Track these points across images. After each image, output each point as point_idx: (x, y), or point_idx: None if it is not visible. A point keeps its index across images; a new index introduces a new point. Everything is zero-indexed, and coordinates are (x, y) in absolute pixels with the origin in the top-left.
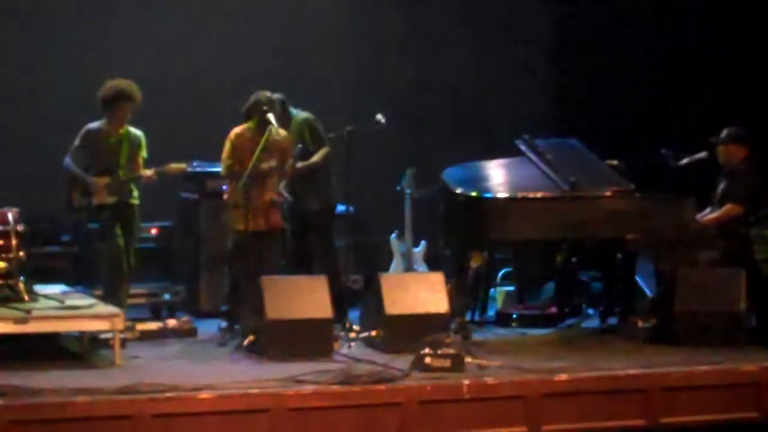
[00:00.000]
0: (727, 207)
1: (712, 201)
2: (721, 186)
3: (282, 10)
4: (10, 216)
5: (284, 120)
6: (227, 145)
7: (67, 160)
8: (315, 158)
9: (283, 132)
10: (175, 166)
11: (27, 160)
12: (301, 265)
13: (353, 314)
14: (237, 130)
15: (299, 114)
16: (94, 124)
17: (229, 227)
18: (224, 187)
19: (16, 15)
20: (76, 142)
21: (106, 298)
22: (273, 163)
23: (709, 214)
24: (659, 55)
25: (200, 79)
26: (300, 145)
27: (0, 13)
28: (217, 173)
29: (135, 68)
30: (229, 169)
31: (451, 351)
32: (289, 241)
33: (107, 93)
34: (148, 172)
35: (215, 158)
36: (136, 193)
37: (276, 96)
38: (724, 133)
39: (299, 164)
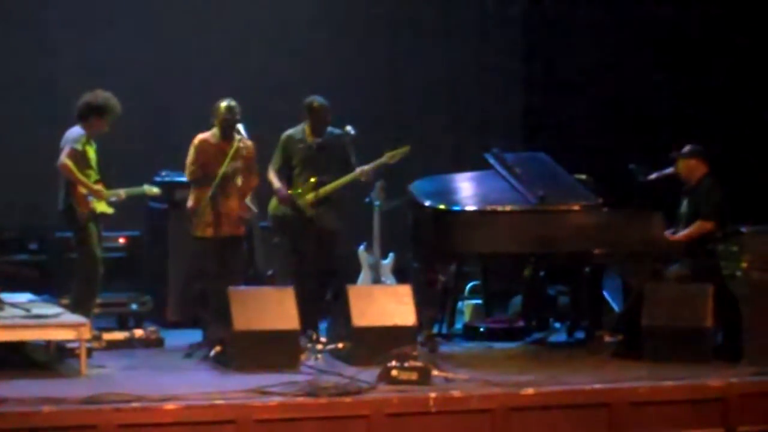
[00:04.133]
0: (699, 224)
1: (677, 220)
2: (685, 204)
3: (248, 15)
4: None
5: (320, 127)
6: (191, 151)
7: (70, 163)
8: (347, 178)
9: (248, 141)
10: (149, 189)
11: None
12: (297, 276)
13: (320, 326)
14: (201, 135)
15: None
16: (81, 130)
17: (192, 235)
18: None
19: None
20: (77, 146)
21: (77, 307)
22: (239, 177)
23: (677, 233)
24: (631, 67)
25: (167, 88)
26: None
27: None
28: (185, 183)
29: (102, 75)
30: (193, 174)
31: (418, 364)
32: (292, 252)
33: (97, 100)
34: (122, 194)
35: (183, 168)
36: None
37: (320, 100)
38: (686, 148)
39: (342, 179)
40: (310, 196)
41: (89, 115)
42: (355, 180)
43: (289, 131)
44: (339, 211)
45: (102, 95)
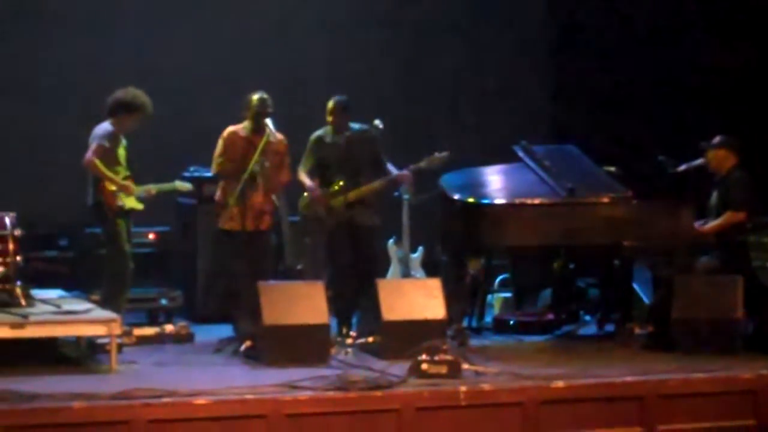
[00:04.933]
0: (729, 214)
1: (707, 211)
2: (715, 195)
3: (275, 9)
4: (7, 220)
5: (342, 124)
6: (220, 143)
7: (95, 159)
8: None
9: (279, 136)
10: (180, 184)
11: (24, 164)
12: (339, 279)
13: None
14: (231, 128)
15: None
16: (109, 126)
17: (219, 228)
18: None
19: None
20: (104, 143)
21: (107, 303)
22: (266, 164)
23: (707, 224)
24: (659, 61)
25: (196, 83)
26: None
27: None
28: (213, 178)
29: (132, 72)
30: (220, 167)
31: (448, 357)
32: (330, 256)
33: (127, 97)
34: (153, 190)
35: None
36: None
37: (338, 98)
38: (715, 139)
39: (376, 183)
40: (340, 200)
41: (118, 111)
42: (393, 182)
43: (318, 132)
44: (375, 207)
45: (132, 92)
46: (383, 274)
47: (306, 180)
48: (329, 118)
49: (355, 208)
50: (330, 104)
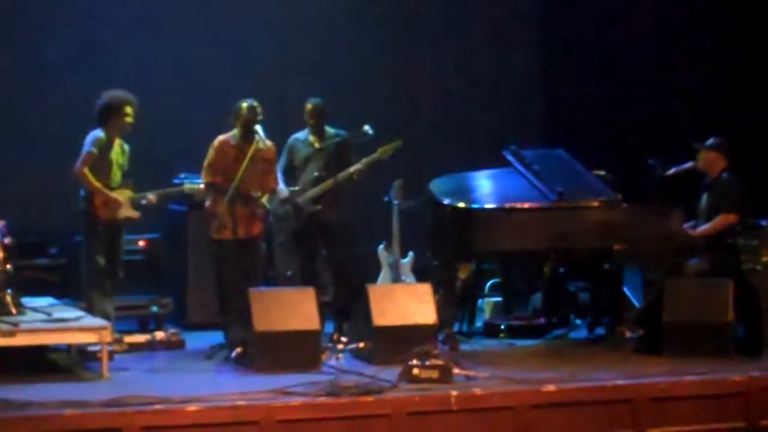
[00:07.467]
0: (721, 217)
1: (697, 214)
2: (705, 198)
3: (266, 17)
4: None
5: (318, 128)
6: (210, 152)
7: (84, 169)
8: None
9: (268, 143)
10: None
11: (14, 172)
12: (310, 279)
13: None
14: (221, 137)
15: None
16: (99, 133)
17: (210, 237)
18: None
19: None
20: (93, 150)
21: (91, 312)
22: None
23: (698, 227)
24: (648, 65)
25: (186, 90)
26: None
27: None
28: (203, 185)
29: (123, 77)
30: (211, 175)
31: (439, 362)
32: (299, 254)
33: (106, 100)
34: (153, 198)
35: (201, 170)
36: None
37: (315, 101)
38: (708, 141)
39: (330, 180)
40: (312, 192)
41: (103, 116)
42: (350, 178)
43: (296, 134)
44: (341, 205)
45: (110, 94)
46: (370, 274)
47: (279, 180)
48: (310, 121)
49: (320, 205)
50: (307, 106)
